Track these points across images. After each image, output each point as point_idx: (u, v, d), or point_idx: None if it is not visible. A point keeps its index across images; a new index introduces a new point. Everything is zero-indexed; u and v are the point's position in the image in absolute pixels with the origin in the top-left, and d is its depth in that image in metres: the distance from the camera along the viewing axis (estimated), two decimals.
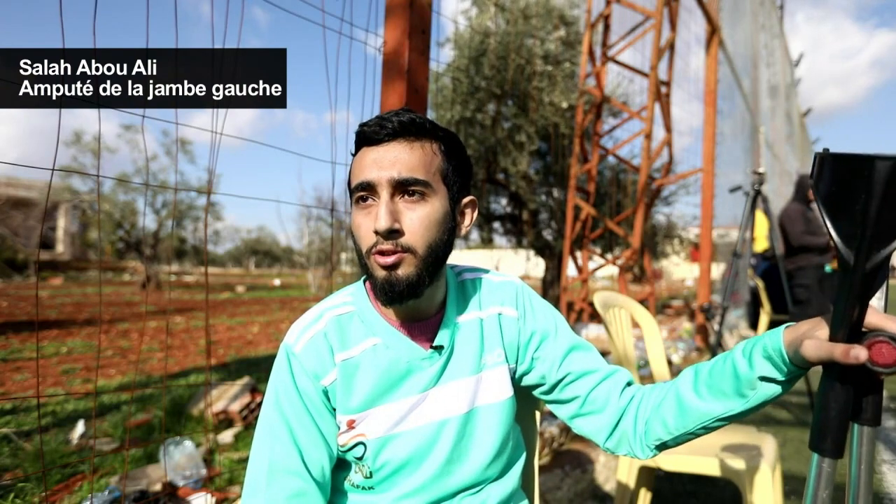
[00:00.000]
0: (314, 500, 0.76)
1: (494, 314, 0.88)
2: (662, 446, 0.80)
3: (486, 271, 0.94)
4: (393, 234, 0.73)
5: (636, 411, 0.82)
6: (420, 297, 0.77)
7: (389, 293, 0.74)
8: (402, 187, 0.74)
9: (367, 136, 0.76)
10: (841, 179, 0.53)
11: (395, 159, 0.74)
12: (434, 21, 1.70)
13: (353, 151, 0.80)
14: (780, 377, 0.66)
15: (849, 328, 0.56)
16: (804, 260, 4.63)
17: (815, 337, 0.60)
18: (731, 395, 0.71)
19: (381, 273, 0.74)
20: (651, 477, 2.02)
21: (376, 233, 0.73)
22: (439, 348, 0.82)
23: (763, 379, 0.67)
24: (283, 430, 0.77)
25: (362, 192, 0.75)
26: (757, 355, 0.68)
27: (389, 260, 0.73)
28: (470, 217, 0.85)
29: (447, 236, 0.78)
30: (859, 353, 0.54)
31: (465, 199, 0.84)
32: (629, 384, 0.87)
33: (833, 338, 0.58)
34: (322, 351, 0.79)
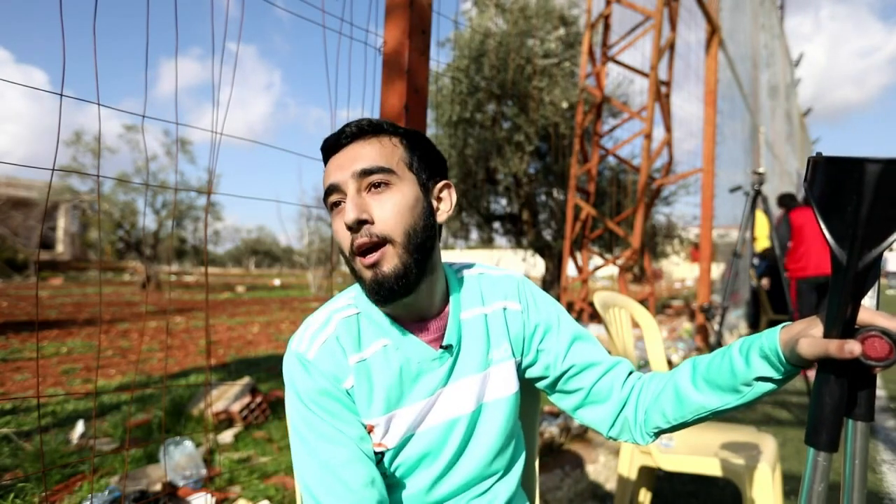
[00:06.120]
0: (382, 485, 0.75)
1: (499, 308, 0.88)
2: (660, 432, 0.83)
3: (484, 266, 0.93)
4: (362, 224, 0.73)
5: (636, 401, 0.84)
6: (416, 293, 0.76)
7: (380, 292, 0.74)
8: (366, 178, 0.74)
9: (330, 144, 0.79)
10: (833, 182, 0.54)
11: (354, 156, 0.76)
12: (434, 21, 1.70)
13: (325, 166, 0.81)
14: (776, 376, 0.68)
15: (842, 325, 0.58)
16: None
17: (809, 335, 0.61)
18: (728, 391, 0.73)
19: (367, 273, 0.74)
20: (651, 477, 2.02)
21: (349, 229, 0.73)
22: (448, 348, 0.81)
23: (760, 378, 0.69)
24: (322, 434, 0.74)
25: (332, 195, 0.76)
26: (754, 355, 0.69)
27: (372, 258, 0.73)
28: (449, 201, 0.83)
29: (424, 221, 0.77)
30: (853, 347, 0.55)
31: (439, 184, 0.82)
32: (630, 373, 0.88)
33: (827, 335, 0.59)
34: (337, 354, 0.77)
